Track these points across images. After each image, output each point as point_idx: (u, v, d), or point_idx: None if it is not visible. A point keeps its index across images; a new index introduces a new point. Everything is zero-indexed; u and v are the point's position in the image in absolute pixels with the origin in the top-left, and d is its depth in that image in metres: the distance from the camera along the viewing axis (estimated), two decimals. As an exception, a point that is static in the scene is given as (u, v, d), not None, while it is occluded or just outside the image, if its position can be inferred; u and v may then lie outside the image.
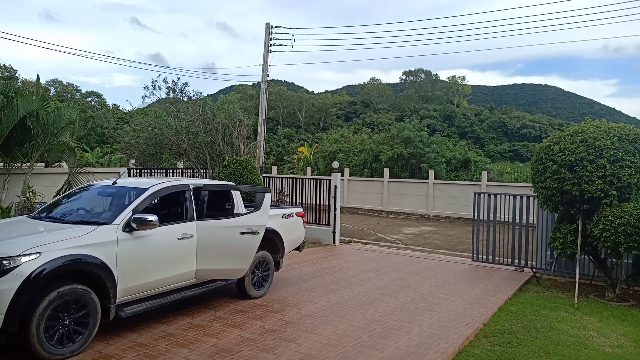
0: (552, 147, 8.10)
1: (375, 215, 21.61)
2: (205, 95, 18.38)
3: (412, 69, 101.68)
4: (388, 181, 22.45)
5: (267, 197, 6.57)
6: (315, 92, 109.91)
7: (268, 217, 6.68)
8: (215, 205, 6.80)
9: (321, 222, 13.01)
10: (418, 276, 8.99)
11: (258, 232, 6.38)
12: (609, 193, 7.41)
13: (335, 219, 12.59)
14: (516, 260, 10.11)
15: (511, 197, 10.41)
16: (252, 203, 6.98)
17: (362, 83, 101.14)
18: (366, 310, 6.49)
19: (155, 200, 7.20)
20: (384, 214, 21.88)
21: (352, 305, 6.76)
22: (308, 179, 13.99)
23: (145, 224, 5.28)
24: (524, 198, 10.16)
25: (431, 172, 21.74)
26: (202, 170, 13.58)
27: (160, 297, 5.70)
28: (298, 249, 8.07)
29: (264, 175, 15.36)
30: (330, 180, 12.88)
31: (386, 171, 22.86)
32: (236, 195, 6.79)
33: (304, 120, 78.27)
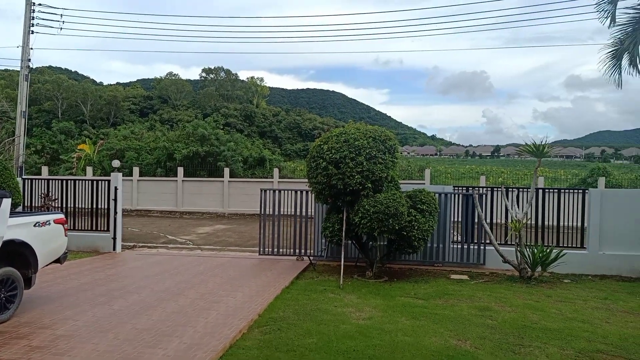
0: (322, 147, 8.97)
1: (168, 216, 20.61)
2: None
3: (212, 67, 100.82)
4: (182, 180, 21.70)
5: (5, 203, 5.49)
6: (105, 84, 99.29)
7: (9, 226, 5.61)
8: None
9: (100, 228, 11.74)
10: (204, 276, 8.85)
11: (-7, 246, 5.29)
12: (366, 186, 8.58)
13: (115, 224, 11.49)
14: (297, 250, 10.91)
15: (293, 192, 11.18)
16: None
17: (159, 77, 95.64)
18: (138, 320, 6.04)
19: None
20: (178, 214, 21.05)
21: (122, 316, 6.20)
22: (83, 180, 12.41)
23: None
24: (304, 193, 11.02)
25: (226, 171, 21.88)
26: None
27: None
28: (58, 260, 7.00)
29: (25, 177, 13.00)
30: (109, 181, 11.69)
31: (180, 170, 22.05)
32: (-36, 203, 5.49)
33: (89, 114, 69.71)
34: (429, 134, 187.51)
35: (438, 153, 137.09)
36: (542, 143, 9.19)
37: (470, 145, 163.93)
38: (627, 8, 9.07)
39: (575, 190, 10.64)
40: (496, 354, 5.22)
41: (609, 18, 9.30)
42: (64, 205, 12.03)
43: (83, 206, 12.04)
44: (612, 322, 6.61)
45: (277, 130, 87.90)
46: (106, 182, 11.80)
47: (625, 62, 9.18)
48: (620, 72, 9.40)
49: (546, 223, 10.48)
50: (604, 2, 9.26)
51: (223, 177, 21.74)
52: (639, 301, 7.89)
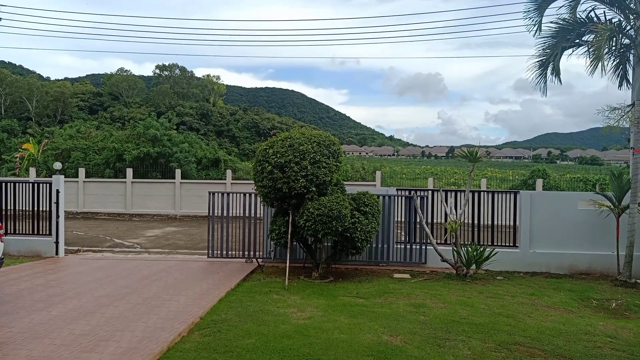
0: (267, 151, 9.14)
1: (116, 219, 20.11)
2: None
3: (167, 64, 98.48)
4: (132, 182, 21.22)
5: None
6: (52, 79, 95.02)
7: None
8: None
9: (41, 232, 11.40)
10: (148, 280, 8.82)
11: None
12: (310, 189, 8.82)
13: (58, 228, 11.19)
14: (246, 252, 11.03)
15: (241, 195, 11.28)
16: None
17: (110, 73, 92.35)
18: (75, 326, 6.01)
19: None
20: (127, 217, 20.58)
21: (60, 322, 6.15)
22: (24, 182, 11.97)
23: None
24: (253, 195, 11.14)
25: (178, 172, 21.60)
26: None
27: None
28: (-6, 267, 6.84)
29: (-41, 179, 12.39)
30: (51, 183, 11.37)
31: (129, 171, 21.56)
32: None
33: (35, 111, 66.42)
34: (387, 135, 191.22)
35: (395, 153, 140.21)
36: (476, 149, 9.79)
37: (427, 146, 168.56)
38: (551, 22, 9.83)
39: (508, 192, 11.35)
40: (422, 348, 5.60)
41: (537, 27, 10.02)
42: (4, 208, 11.58)
43: (24, 209, 11.65)
44: (534, 316, 7.17)
45: (234, 130, 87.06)
46: (48, 184, 11.46)
47: (549, 71, 9.93)
48: (546, 80, 10.14)
49: (484, 222, 11.12)
50: (532, 10, 9.98)
51: (174, 178, 21.44)
52: (562, 296, 8.55)
